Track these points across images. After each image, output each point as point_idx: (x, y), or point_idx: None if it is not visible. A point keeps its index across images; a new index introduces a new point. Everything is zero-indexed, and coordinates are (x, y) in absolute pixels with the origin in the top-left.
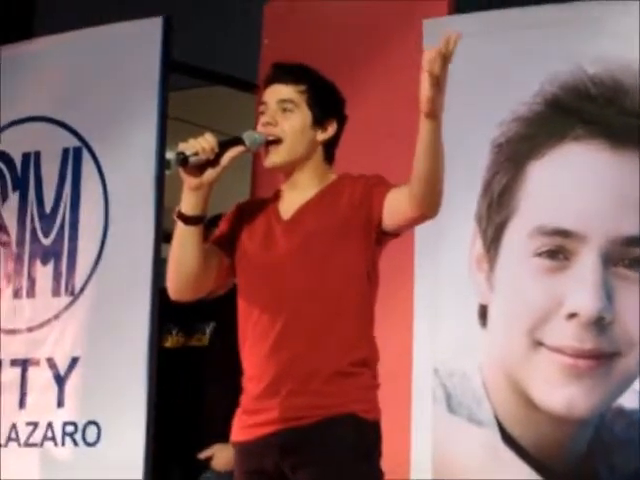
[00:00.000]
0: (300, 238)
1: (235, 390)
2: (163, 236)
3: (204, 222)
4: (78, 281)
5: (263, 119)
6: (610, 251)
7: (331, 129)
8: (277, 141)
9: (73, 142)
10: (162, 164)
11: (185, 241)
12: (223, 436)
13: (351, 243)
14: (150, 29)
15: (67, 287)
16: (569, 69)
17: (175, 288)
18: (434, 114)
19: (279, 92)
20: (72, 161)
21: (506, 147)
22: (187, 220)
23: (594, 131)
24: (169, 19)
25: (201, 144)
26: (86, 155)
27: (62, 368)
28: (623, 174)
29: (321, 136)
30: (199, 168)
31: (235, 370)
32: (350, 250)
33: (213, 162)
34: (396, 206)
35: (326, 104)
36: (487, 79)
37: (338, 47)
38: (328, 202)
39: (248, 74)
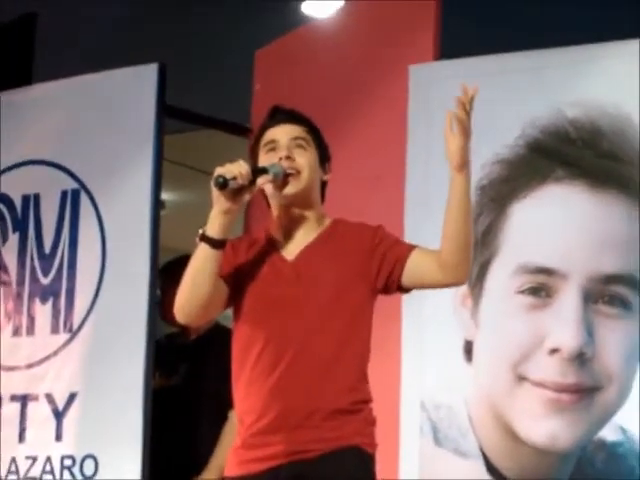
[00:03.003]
0: (308, 280)
1: (217, 425)
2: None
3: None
4: (76, 319)
5: (278, 154)
6: (590, 288)
7: (329, 171)
8: (295, 173)
9: (71, 184)
10: (157, 205)
11: (207, 264)
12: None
13: (357, 289)
14: (145, 75)
15: (65, 325)
16: (549, 113)
17: (188, 312)
18: (466, 164)
19: (292, 130)
20: (70, 203)
21: (489, 189)
22: (215, 244)
23: (574, 173)
24: (163, 66)
25: (238, 170)
26: (84, 197)
27: (60, 403)
28: (602, 214)
29: (324, 177)
30: (233, 193)
31: (214, 405)
32: (356, 296)
33: (242, 188)
34: (421, 271)
35: (325, 147)
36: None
37: (326, 92)
38: (333, 247)
39: (240, 118)
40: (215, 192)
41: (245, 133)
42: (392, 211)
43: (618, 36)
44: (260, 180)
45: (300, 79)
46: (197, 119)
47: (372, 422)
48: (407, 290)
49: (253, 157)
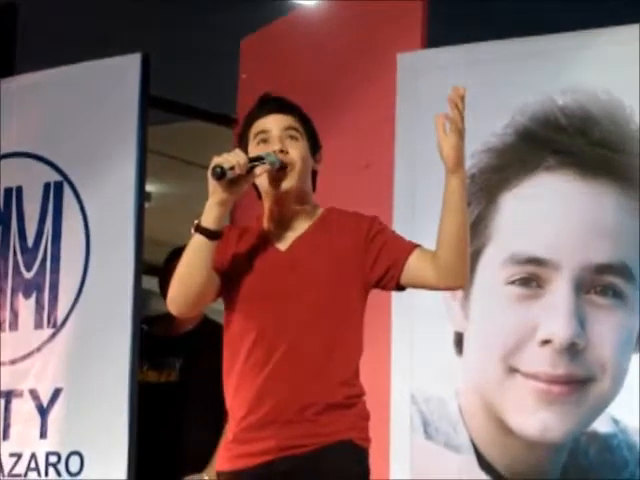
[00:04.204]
0: (302, 271)
1: (208, 423)
2: (143, 268)
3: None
4: (60, 313)
5: (272, 146)
6: (582, 278)
7: (320, 160)
8: (288, 167)
9: (54, 177)
10: (141, 197)
11: (202, 255)
12: (199, 468)
13: (351, 281)
14: (129, 65)
15: (49, 319)
16: (539, 100)
17: (182, 302)
18: (460, 165)
19: (284, 120)
20: (53, 195)
21: (478, 178)
22: (211, 234)
23: (565, 161)
24: (147, 55)
25: (236, 159)
26: (67, 189)
27: (45, 399)
28: (594, 203)
29: (315, 166)
30: (230, 183)
31: (207, 404)
32: (350, 288)
33: (239, 178)
34: (419, 274)
35: (316, 136)
36: None
37: (313, 80)
38: (327, 237)
39: (225, 108)
40: (212, 182)
41: (231, 123)
42: (381, 200)
43: (609, 22)
44: (258, 170)
45: (287, 68)
46: (182, 109)
47: (366, 416)
48: (403, 288)
49: (241, 147)
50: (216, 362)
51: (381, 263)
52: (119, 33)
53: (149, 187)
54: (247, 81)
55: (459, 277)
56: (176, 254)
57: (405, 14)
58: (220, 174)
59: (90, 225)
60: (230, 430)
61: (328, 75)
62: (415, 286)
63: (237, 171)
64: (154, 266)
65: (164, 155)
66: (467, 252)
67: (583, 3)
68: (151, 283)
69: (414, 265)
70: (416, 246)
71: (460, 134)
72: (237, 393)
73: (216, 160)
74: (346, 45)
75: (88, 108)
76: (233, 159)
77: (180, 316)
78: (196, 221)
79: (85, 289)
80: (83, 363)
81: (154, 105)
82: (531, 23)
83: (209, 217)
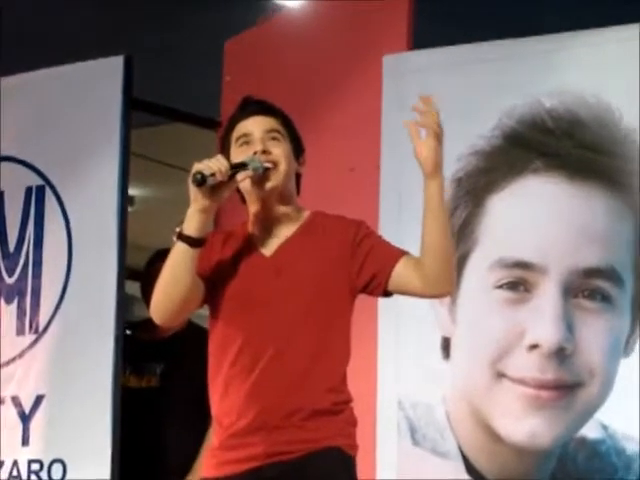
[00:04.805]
0: (288, 277)
1: (190, 429)
2: (126, 272)
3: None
4: (42, 319)
5: (254, 148)
6: (570, 282)
7: (303, 163)
8: (273, 167)
9: (36, 181)
10: (124, 201)
11: (185, 263)
12: (180, 474)
13: (338, 286)
14: (112, 68)
15: (31, 325)
16: (526, 103)
17: (165, 312)
18: (438, 169)
19: (266, 123)
20: (35, 200)
21: (465, 181)
22: (193, 242)
23: (552, 164)
24: (130, 58)
25: (217, 166)
26: (49, 193)
27: (27, 406)
28: (582, 206)
29: (299, 169)
30: (211, 190)
31: (189, 409)
32: (336, 294)
33: (221, 185)
34: (406, 281)
35: (299, 139)
36: (445, 113)
37: (298, 83)
38: (312, 241)
39: (209, 111)
40: (193, 189)
41: (215, 126)
42: (366, 204)
43: (596, 23)
44: (240, 176)
45: (271, 71)
46: (166, 112)
47: (353, 423)
48: (391, 294)
49: (224, 151)
50: (198, 367)
51: (367, 269)
52: (102, 35)
53: (132, 191)
54: (231, 83)
55: (445, 285)
56: (158, 257)
57: (390, 15)
58: (201, 180)
59: (72, 229)
60: (216, 436)
61: (313, 77)
62: (402, 294)
63: (218, 177)
64: (137, 271)
65: (147, 158)
66: (452, 258)
67: (571, 4)
68: (134, 288)
69: (401, 273)
70: (403, 253)
71: (437, 138)
72: (223, 399)
73: (197, 166)
74: (331, 47)
75: (70, 111)
76: (214, 165)
77: (164, 325)
78: (178, 229)
79: (67, 294)
80: (65, 369)
81: (137, 108)
82: (518, 25)
83: (191, 225)
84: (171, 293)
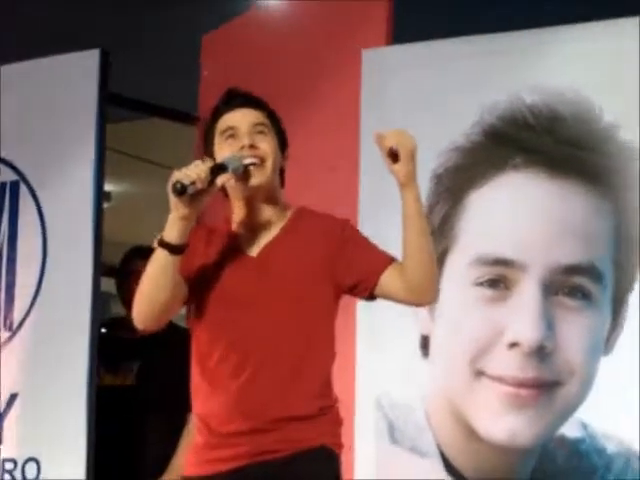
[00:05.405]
0: (273, 279)
1: (165, 428)
2: (102, 269)
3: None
4: (16, 316)
5: (241, 142)
6: (550, 280)
7: (287, 157)
8: (260, 163)
9: (10, 176)
10: (100, 197)
11: (167, 270)
12: (155, 474)
13: (323, 287)
14: (87, 62)
15: (5, 322)
16: (507, 99)
17: (148, 318)
18: (412, 177)
19: (252, 116)
20: (9, 195)
21: (445, 177)
22: (174, 249)
23: (533, 160)
24: (105, 52)
25: (197, 173)
26: (23, 189)
27: (1, 405)
28: (562, 202)
29: (283, 163)
30: (191, 197)
31: (164, 408)
32: (322, 295)
33: (201, 191)
34: (390, 290)
35: (283, 132)
36: (425, 109)
37: (277, 78)
38: (298, 240)
39: (187, 106)
40: (173, 198)
41: (192, 121)
42: (346, 202)
43: (577, 19)
44: (219, 180)
45: (249, 66)
46: (143, 107)
47: (339, 423)
48: (375, 298)
49: (207, 142)
50: (174, 365)
51: (355, 272)
52: (77, 29)
53: (108, 186)
54: (209, 78)
55: (427, 293)
56: (134, 254)
57: (370, 11)
58: (181, 190)
59: (47, 225)
60: (201, 435)
61: (292, 73)
62: (386, 299)
63: (198, 185)
64: (114, 267)
65: (124, 153)
66: (433, 266)
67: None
68: (110, 285)
69: (387, 280)
70: (392, 260)
71: (410, 155)
72: (209, 399)
73: (176, 175)
74: (310, 42)
75: (45, 105)
76: (194, 174)
77: (146, 329)
78: (158, 235)
79: (42, 291)
80: (40, 367)
81: (113, 102)
82: (499, 20)
83: (172, 232)
84: (153, 300)
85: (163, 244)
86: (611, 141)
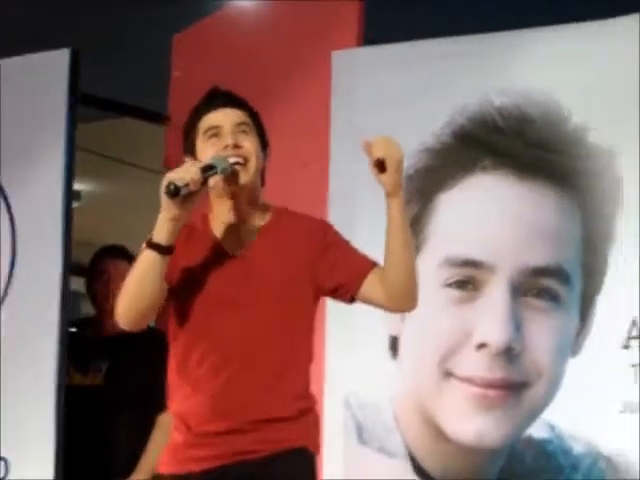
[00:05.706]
0: (255, 280)
1: (134, 427)
2: (72, 269)
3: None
4: None
5: (224, 141)
6: (519, 281)
7: (268, 156)
8: (243, 163)
9: None
10: (69, 197)
11: (155, 270)
12: (124, 473)
13: (304, 289)
14: (57, 61)
15: None
16: (477, 101)
17: (133, 318)
18: (399, 187)
19: (235, 115)
20: None
21: (415, 178)
22: (163, 250)
23: (502, 162)
24: (76, 51)
25: (190, 176)
26: None
27: None
28: (531, 205)
29: (264, 162)
30: (182, 199)
31: (133, 407)
32: (303, 297)
33: (192, 192)
34: (370, 296)
35: (264, 132)
36: (395, 110)
37: (248, 78)
38: (279, 241)
39: (157, 106)
40: (165, 199)
41: (163, 121)
42: (319, 200)
43: (549, 20)
44: (211, 182)
45: (221, 66)
46: (113, 106)
47: (317, 424)
48: (354, 301)
49: (187, 141)
50: (144, 365)
51: (337, 276)
52: (48, 28)
53: (78, 186)
54: (179, 78)
55: (408, 301)
56: (103, 254)
57: (341, 12)
58: (174, 192)
59: (17, 224)
60: (180, 434)
61: (263, 73)
62: (367, 304)
63: (192, 188)
64: (83, 267)
65: (94, 153)
66: (415, 275)
67: (524, 2)
68: (80, 284)
69: (369, 286)
70: (374, 265)
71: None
72: (189, 399)
73: (169, 177)
74: (281, 42)
75: (14, 105)
76: (187, 176)
77: (131, 329)
78: (148, 236)
79: (11, 290)
80: (8, 367)
81: (84, 102)
82: (470, 22)
83: (161, 232)
84: (139, 299)
85: (151, 245)
86: (580, 143)
